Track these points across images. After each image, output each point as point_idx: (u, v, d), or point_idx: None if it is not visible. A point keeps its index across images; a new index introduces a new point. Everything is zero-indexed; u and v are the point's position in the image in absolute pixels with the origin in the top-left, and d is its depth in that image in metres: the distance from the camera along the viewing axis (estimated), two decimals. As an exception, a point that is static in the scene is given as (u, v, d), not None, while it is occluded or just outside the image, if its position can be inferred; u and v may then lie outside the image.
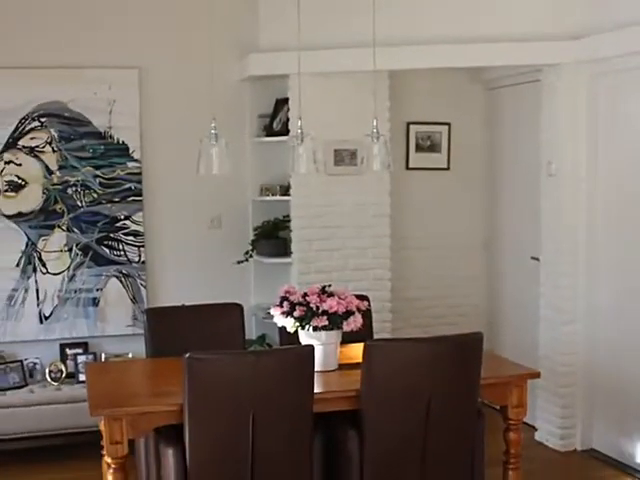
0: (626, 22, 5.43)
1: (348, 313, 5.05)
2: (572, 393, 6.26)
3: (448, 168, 7.40)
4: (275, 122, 6.83)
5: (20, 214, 6.43)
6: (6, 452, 6.04)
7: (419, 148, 7.30)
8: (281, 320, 5.07)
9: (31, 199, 6.46)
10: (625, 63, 5.63)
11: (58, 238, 6.52)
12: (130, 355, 6.38)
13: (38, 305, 6.45)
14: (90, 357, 6.44)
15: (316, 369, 4.57)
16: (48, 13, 6.34)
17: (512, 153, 7.17)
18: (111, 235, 6.63)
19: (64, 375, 6.33)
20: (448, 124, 7.38)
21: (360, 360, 4.56)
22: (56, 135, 6.47)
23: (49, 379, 6.28)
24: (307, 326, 4.99)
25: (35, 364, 6.39)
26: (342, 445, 4.78)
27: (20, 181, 6.42)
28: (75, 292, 6.56)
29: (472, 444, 4.59)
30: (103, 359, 6.42)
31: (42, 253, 6.48)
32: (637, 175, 5.71)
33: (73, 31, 6.43)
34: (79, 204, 6.54)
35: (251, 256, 6.88)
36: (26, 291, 6.46)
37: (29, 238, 6.45)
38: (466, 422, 4.61)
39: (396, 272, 6.95)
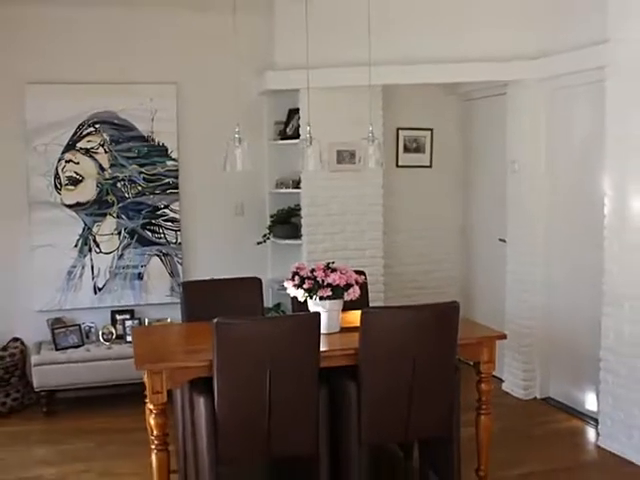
0: (578, 45, 5.48)
1: (348, 285, 5.06)
2: (532, 351, 6.33)
3: (430, 166, 7.41)
4: (288, 128, 6.82)
5: (78, 204, 6.44)
6: (66, 400, 6.05)
7: (406, 149, 7.30)
8: (293, 291, 5.08)
9: (87, 191, 6.47)
10: (577, 79, 5.68)
11: (109, 224, 6.53)
12: (169, 320, 6.38)
13: (93, 279, 6.46)
14: (136, 322, 6.45)
15: (322, 332, 4.59)
16: (104, 41, 6.34)
17: (483, 153, 7.21)
18: (152, 221, 6.63)
19: (114, 336, 6.34)
20: (431, 129, 7.39)
21: (358, 324, 4.58)
22: (108, 139, 6.47)
23: (102, 340, 6.28)
24: (314, 296, 5.00)
25: (90, 327, 6.40)
26: (343, 393, 4.81)
27: (78, 177, 6.42)
28: (123, 268, 6.57)
29: (450, 394, 4.61)
30: (146, 323, 6.43)
31: (96, 236, 6.49)
32: (585, 171, 5.78)
33: (123, 54, 6.46)
34: (126, 195, 6.54)
35: (268, 238, 6.88)
36: (83, 268, 6.47)
37: (85, 224, 6.46)
38: (445, 375, 4.63)
39: (387, 252, 6.96)
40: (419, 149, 7.36)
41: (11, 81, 6.24)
